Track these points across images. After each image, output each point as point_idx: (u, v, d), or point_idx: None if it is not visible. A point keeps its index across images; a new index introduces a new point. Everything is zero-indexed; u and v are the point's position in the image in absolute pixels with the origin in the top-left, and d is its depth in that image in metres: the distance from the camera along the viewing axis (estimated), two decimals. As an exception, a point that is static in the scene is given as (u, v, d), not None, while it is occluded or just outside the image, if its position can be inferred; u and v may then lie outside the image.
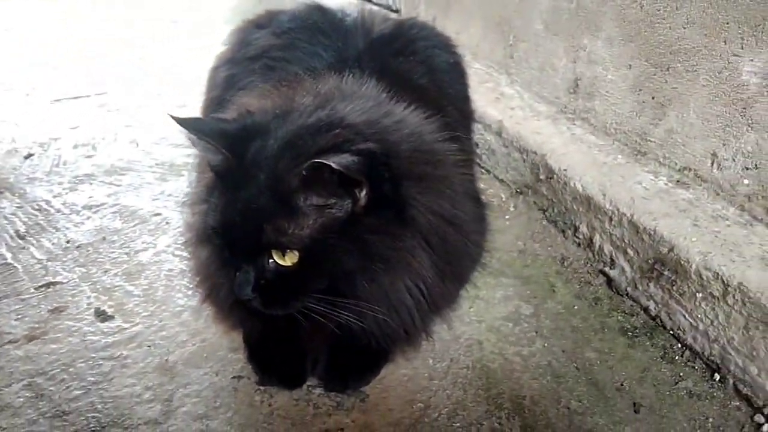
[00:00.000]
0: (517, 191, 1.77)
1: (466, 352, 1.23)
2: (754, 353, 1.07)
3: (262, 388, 1.15)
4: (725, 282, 1.11)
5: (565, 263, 1.49)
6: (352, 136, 0.92)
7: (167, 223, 1.68)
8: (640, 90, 1.50)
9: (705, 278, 1.15)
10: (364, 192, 0.92)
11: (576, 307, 1.35)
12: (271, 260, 0.94)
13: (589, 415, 1.10)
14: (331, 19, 1.55)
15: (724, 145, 1.30)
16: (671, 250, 1.22)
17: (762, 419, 1.06)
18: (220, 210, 0.96)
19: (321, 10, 1.59)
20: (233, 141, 0.96)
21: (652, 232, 1.28)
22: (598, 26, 1.61)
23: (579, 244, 1.53)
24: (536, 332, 1.28)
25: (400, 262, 0.97)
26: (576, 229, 1.54)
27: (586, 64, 1.69)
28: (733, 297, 1.10)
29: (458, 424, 1.08)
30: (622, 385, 1.16)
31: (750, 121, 1.23)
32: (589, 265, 1.47)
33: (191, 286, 1.38)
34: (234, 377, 1.17)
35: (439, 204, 1.00)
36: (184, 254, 1.52)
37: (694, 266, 1.17)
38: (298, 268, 0.93)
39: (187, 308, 1.35)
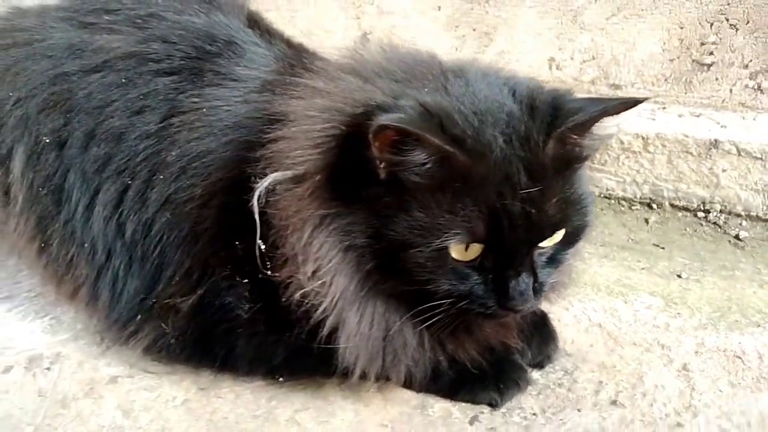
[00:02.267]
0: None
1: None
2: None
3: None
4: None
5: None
6: None
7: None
8: (457, 26, 1.67)
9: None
10: None
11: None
12: (539, 249, 0.77)
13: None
14: None
15: (560, 50, 1.62)
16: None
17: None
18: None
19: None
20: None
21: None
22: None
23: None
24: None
25: None
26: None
27: (376, 16, 1.73)
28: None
29: None
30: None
31: (582, 26, 1.58)
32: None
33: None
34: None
35: None
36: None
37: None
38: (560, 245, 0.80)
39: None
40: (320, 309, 0.79)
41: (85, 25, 1.04)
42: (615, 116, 0.77)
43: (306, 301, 0.79)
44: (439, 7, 1.65)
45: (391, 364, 0.83)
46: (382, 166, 0.73)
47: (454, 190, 0.72)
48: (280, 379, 0.93)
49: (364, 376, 0.84)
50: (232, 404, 0.91)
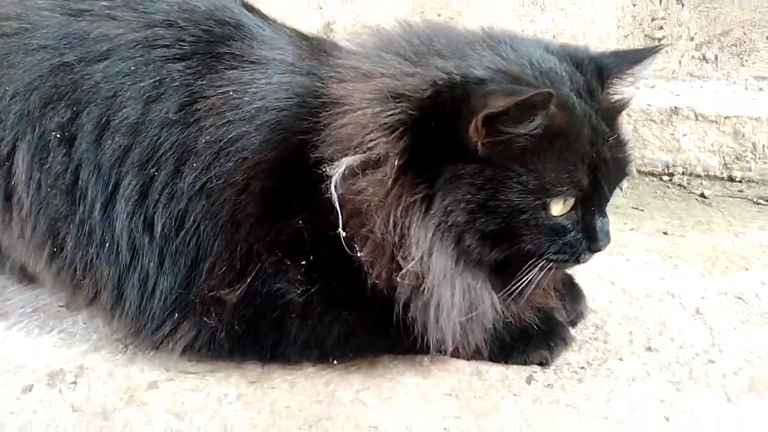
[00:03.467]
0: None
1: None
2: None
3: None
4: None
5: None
6: None
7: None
8: (422, 12, 1.70)
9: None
10: None
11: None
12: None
13: None
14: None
15: (522, 31, 1.67)
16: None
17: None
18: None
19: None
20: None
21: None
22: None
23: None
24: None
25: None
26: None
27: (340, 5, 1.72)
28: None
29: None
30: None
31: (543, 7, 1.65)
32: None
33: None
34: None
35: None
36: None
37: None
38: None
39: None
40: (415, 287, 0.78)
41: (79, 12, 0.97)
42: (642, 63, 0.86)
43: (398, 279, 0.78)
44: (405, -4, 1.67)
45: (474, 334, 0.84)
46: (482, 142, 0.74)
47: (557, 149, 0.75)
48: (334, 361, 0.91)
49: (456, 351, 0.86)
50: (289, 393, 0.89)
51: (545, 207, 0.76)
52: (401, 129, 0.76)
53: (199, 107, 0.90)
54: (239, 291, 0.86)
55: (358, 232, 0.79)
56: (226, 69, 0.93)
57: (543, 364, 0.94)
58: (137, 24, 0.96)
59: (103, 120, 0.91)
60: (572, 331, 1.02)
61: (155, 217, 0.89)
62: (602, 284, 1.16)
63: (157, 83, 0.92)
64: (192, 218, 0.88)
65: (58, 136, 0.91)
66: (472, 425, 0.83)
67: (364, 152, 0.77)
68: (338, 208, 0.78)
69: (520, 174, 0.75)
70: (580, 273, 1.16)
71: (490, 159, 0.75)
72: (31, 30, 0.95)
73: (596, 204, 0.80)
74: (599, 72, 0.83)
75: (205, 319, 0.88)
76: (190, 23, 0.96)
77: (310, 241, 0.83)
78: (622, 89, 0.88)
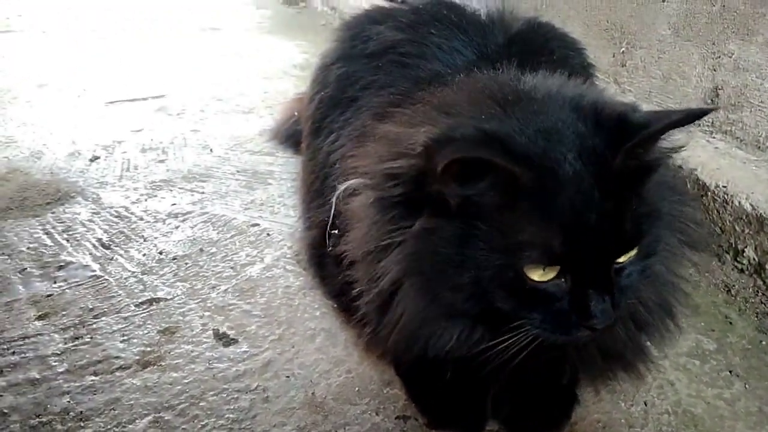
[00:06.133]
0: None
1: (660, 394, 1.05)
2: None
3: (433, 432, 0.97)
4: None
5: (731, 292, 1.32)
6: None
7: (268, 234, 1.51)
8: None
9: None
10: None
11: (764, 343, 1.18)
12: (616, 264, 0.77)
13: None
14: (463, 12, 1.40)
15: None
16: None
17: None
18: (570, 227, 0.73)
19: (449, 3, 1.44)
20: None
21: None
22: (752, 30, 1.46)
23: (743, 270, 1.36)
24: (730, 371, 1.10)
25: None
26: (738, 252, 1.37)
27: (731, 71, 1.54)
28: None
29: (680, 481, 0.90)
30: None
31: None
32: (761, 294, 1.30)
33: (320, 305, 1.21)
34: (398, 417, 0.99)
35: None
36: (298, 269, 1.35)
37: None
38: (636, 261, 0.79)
39: (320, 331, 1.17)
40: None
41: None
42: (680, 128, 0.77)
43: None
44: None
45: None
46: (450, 196, 0.75)
47: (527, 211, 0.72)
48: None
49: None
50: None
51: (515, 269, 0.73)
52: (398, 180, 0.83)
53: None
54: None
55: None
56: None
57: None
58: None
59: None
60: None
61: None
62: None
63: None
64: None
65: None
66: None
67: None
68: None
69: (485, 232, 0.74)
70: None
71: (460, 214, 0.76)
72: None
73: (588, 278, 0.74)
74: (620, 135, 0.75)
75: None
76: None
77: None
78: (658, 153, 0.80)
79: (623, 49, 1.89)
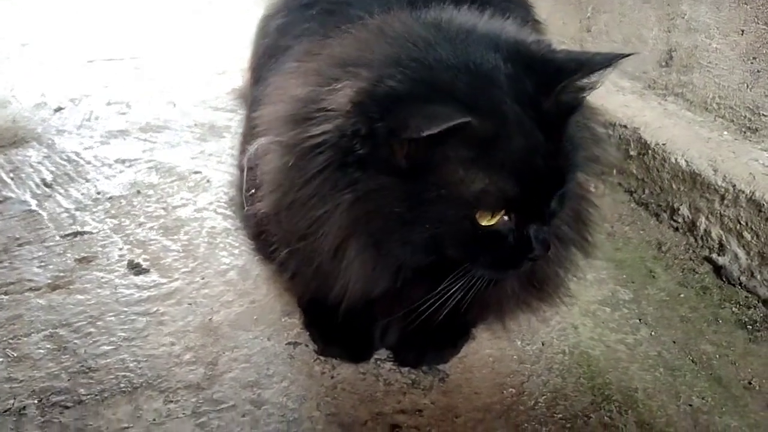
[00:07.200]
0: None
1: (560, 336, 1.04)
2: None
3: (322, 358, 0.97)
4: None
5: (663, 248, 1.30)
6: None
7: (208, 181, 1.51)
8: (754, 58, 1.32)
9: None
10: None
11: (682, 296, 1.16)
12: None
13: (716, 414, 0.91)
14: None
15: None
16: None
17: None
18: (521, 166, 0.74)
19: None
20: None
21: (779, 212, 1.09)
22: (704, -11, 1.43)
23: (677, 228, 1.34)
24: (639, 319, 1.09)
25: None
26: (674, 211, 1.35)
27: (684, 32, 1.51)
28: None
29: (560, 415, 0.90)
30: (750, 383, 0.97)
31: None
32: (691, 251, 1.28)
33: (241, 243, 1.22)
34: (289, 343, 1.00)
35: None
36: (228, 213, 1.36)
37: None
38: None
39: (233, 267, 1.18)
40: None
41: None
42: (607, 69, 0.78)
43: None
44: (743, 32, 1.34)
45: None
46: (402, 158, 0.72)
47: (481, 161, 0.72)
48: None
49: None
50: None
51: (470, 218, 0.74)
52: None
53: None
54: None
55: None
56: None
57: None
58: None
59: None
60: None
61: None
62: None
63: None
64: None
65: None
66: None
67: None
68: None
69: (440, 187, 0.72)
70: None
71: (411, 172, 0.73)
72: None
73: (532, 214, 0.77)
74: (552, 75, 0.76)
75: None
76: None
77: None
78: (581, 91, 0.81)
79: (589, 14, 1.86)
